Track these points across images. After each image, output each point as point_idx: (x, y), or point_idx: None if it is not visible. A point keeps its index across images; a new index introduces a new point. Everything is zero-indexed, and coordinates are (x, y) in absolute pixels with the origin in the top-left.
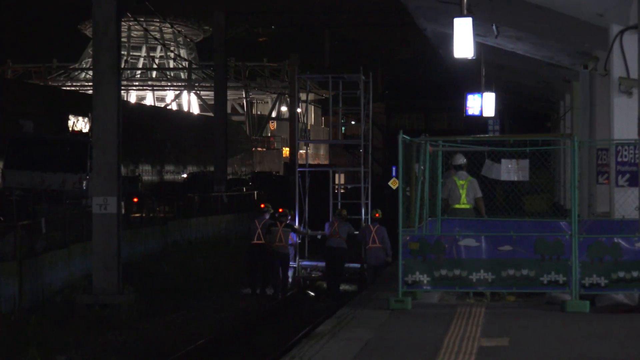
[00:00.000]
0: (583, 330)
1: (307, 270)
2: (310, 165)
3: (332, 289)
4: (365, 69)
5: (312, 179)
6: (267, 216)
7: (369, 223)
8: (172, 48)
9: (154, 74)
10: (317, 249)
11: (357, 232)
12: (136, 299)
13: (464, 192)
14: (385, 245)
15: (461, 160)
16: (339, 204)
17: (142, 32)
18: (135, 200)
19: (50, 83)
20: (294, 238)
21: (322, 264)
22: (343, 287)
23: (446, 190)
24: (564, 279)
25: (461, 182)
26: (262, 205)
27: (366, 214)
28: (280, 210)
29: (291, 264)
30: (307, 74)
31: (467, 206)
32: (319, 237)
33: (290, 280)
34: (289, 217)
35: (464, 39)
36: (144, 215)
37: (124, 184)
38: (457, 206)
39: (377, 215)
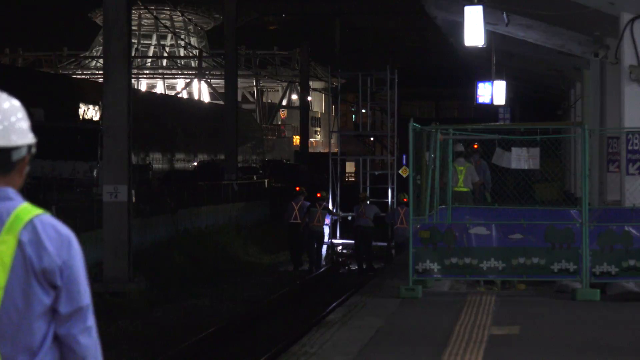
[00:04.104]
0: (593, 318)
1: (339, 249)
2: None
3: (362, 263)
4: (392, 67)
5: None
6: (302, 198)
7: (397, 206)
8: (182, 36)
9: (165, 62)
10: (348, 230)
11: (383, 214)
12: (147, 287)
13: (462, 177)
14: None
15: (459, 148)
16: (368, 188)
17: (152, 21)
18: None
19: (60, 71)
20: (328, 220)
21: (352, 242)
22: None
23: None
24: (574, 267)
25: (460, 167)
26: (297, 189)
27: (392, 197)
28: (319, 194)
29: (325, 242)
30: (339, 72)
31: (464, 189)
32: (349, 218)
33: (324, 257)
34: (325, 201)
35: (474, 27)
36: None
37: (135, 172)
38: (455, 189)
39: (404, 199)
